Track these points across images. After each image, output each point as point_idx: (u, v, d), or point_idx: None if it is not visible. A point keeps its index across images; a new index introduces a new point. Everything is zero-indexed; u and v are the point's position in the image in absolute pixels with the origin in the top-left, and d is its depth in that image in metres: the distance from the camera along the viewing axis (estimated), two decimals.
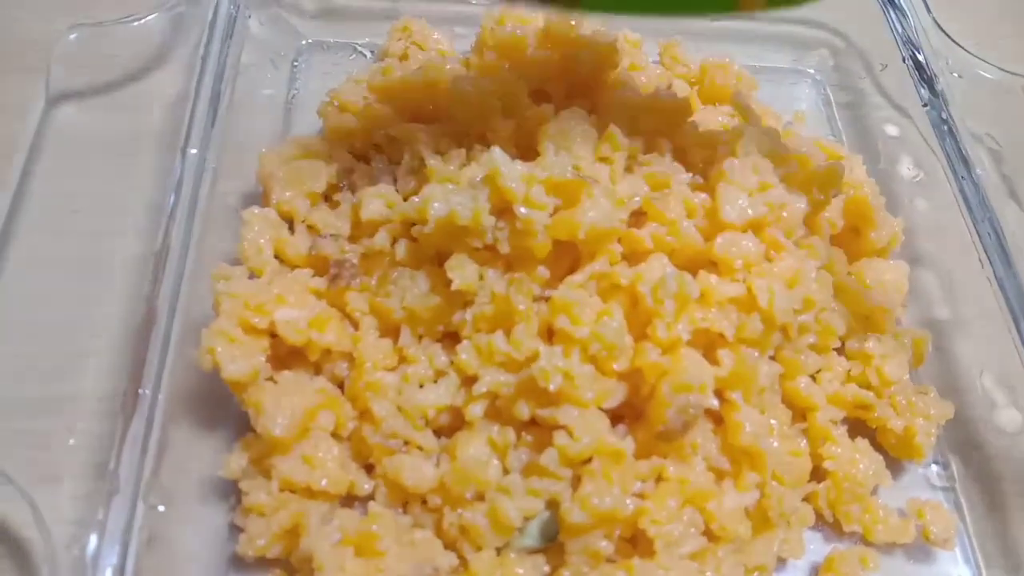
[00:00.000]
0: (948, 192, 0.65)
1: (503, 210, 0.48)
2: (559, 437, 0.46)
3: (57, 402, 0.51)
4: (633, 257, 0.50)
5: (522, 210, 0.46)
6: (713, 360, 0.49)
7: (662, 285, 0.47)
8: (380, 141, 0.60)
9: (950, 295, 0.65)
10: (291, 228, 0.57)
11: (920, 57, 0.70)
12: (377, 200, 0.53)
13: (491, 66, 0.60)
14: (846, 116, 0.77)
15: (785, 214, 0.52)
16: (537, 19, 0.63)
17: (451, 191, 0.48)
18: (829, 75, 0.79)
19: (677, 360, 0.47)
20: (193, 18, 0.64)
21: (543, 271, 0.49)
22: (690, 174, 0.54)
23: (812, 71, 0.80)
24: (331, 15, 0.74)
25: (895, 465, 0.57)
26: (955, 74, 0.69)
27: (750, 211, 0.51)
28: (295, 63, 0.72)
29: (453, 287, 0.48)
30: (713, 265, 0.51)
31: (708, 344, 0.49)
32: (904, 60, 0.71)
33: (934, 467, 0.58)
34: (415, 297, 0.50)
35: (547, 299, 0.48)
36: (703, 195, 0.52)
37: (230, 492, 0.50)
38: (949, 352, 0.63)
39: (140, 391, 0.46)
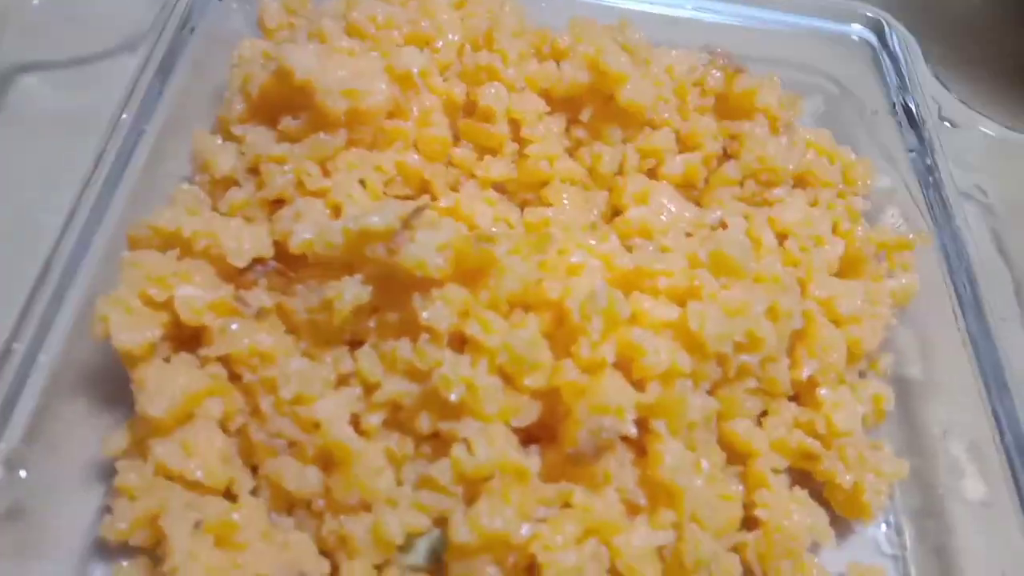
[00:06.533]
0: (932, 248, 0.62)
1: None
2: (457, 449, 0.42)
3: None
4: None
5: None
6: (641, 388, 0.45)
7: (591, 300, 0.44)
8: None
9: (925, 355, 0.60)
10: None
11: (910, 104, 0.67)
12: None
13: None
14: None
15: None
16: None
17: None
18: (821, 119, 0.76)
19: (597, 381, 0.43)
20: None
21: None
22: None
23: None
24: None
25: (842, 525, 0.52)
26: (946, 123, 0.66)
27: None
28: None
29: (337, 307, 0.44)
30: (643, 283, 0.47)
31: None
32: (895, 106, 0.68)
33: (885, 530, 0.53)
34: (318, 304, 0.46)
35: None
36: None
37: (112, 476, 0.46)
38: (917, 414, 0.58)
39: (14, 344, 0.43)
